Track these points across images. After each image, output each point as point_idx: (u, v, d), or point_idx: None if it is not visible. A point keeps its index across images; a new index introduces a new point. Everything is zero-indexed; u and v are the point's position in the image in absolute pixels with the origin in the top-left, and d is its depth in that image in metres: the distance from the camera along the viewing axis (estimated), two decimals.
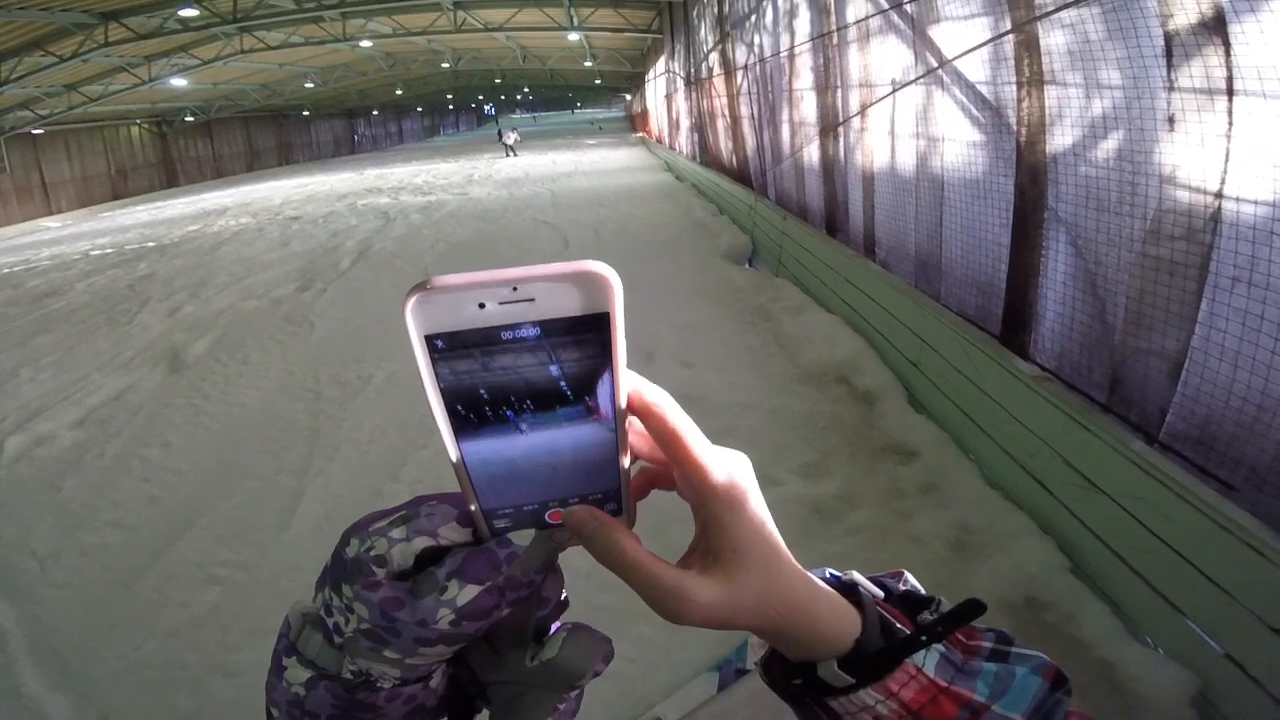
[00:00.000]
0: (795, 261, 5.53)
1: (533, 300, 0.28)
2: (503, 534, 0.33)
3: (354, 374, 4.42)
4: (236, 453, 3.66)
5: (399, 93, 34.20)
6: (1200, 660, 1.72)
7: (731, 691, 2.02)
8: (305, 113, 33.86)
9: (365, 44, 17.72)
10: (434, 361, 0.29)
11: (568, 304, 0.29)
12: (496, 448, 0.31)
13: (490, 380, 0.29)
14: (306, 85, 25.04)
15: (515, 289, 0.28)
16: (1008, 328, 2.79)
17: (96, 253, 11.64)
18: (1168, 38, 1.94)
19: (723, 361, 4.12)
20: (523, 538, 0.33)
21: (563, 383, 0.30)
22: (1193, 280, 1.81)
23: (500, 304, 0.28)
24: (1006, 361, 2.63)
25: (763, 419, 3.39)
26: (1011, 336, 2.78)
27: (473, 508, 0.33)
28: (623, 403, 0.31)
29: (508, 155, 21.62)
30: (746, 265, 6.41)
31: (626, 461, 0.33)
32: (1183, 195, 1.92)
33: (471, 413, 0.30)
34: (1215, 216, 1.80)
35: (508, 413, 0.30)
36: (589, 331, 0.29)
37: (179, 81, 17.77)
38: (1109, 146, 2.26)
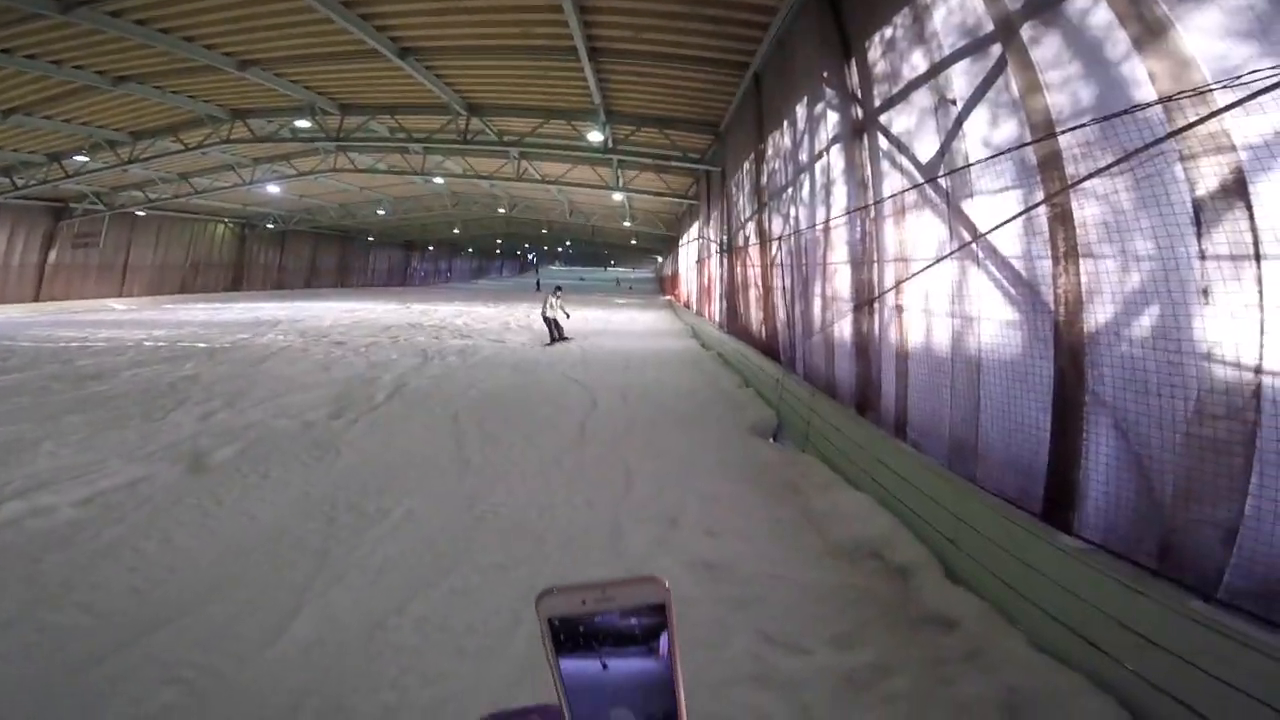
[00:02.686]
0: (823, 439, 5.50)
1: (614, 599, 0.46)
2: None
3: (373, 505, 4.35)
4: (237, 562, 3.51)
5: (455, 231, 37.46)
6: None
7: None
8: (370, 238, 37.01)
9: (438, 180, 19.78)
10: (553, 629, 0.46)
11: (638, 597, 0.46)
12: (588, 677, 0.47)
13: (586, 644, 0.46)
14: (379, 212, 27.62)
15: (604, 591, 0.46)
16: (1050, 506, 2.73)
17: (149, 344, 12.22)
18: (1196, 205, 2.04)
19: (750, 533, 4.00)
20: None
21: (634, 640, 0.46)
22: (1239, 456, 1.82)
23: (597, 601, 0.46)
24: (1050, 537, 2.59)
25: (791, 590, 3.25)
26: (1054, 514, 2.71)
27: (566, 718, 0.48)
28: (677, 651, 0.47)
29: (554, 338, 13.83)
30: (772, 440, 6.40)
31: (682, 695, 0.48)
32: (1223, 372, 1.96)
33: (570, 656, 0.46)
34: (1256, 393, 1.84)
35: (595, 658, 0.46)
36: (653, 609, 0.46)
37: (273, 188, 19.72)
38: (1146, 324, 2.31)
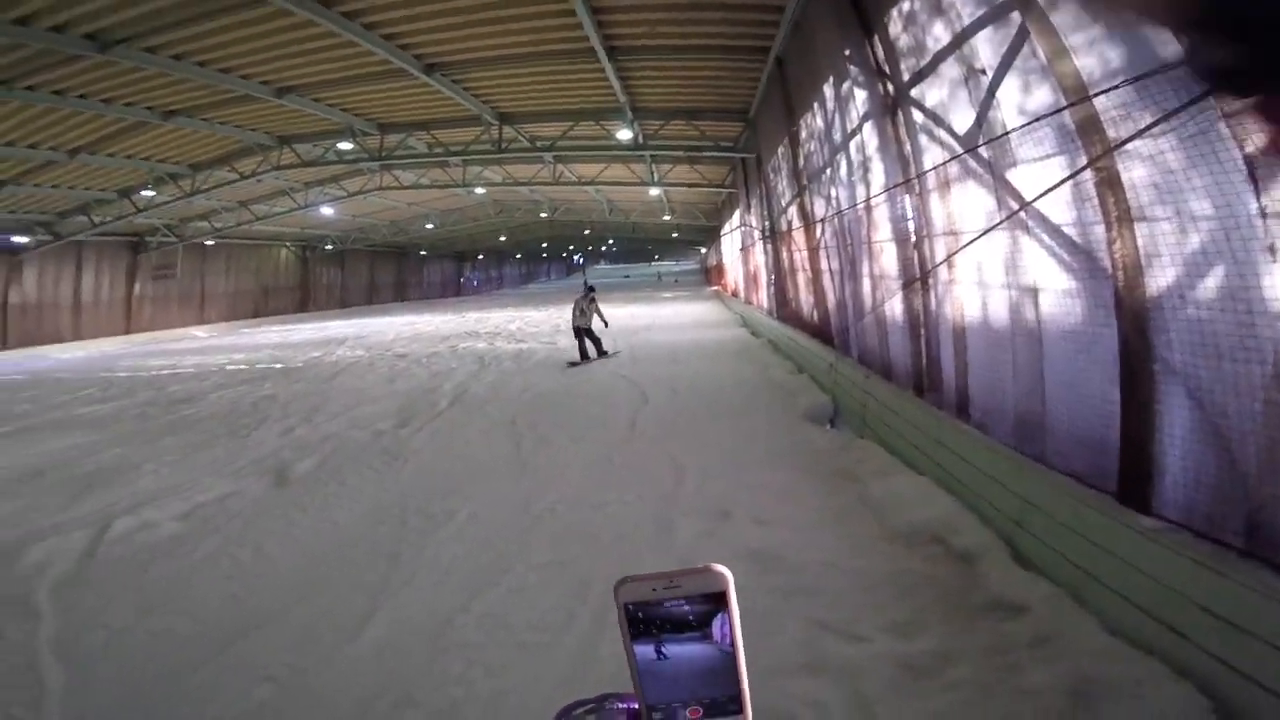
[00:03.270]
0: (880, 423, 5.35)
1: (680, 586, 0.50)
2: None
3: (439, 508, 4.58)
4: (320, 566, 3.78)
5: (502, 239, 38.40)
6: None
7: None
8: (423, 252, 38.41)
9: (479, 190, 20.36)
10: (626, 616, 0.50)
11: (702, 585, 0.50)
12: (656, 663, 0.51)
13: (656, 626, 0.50)
14: (428, 226, 28.64)
15: (672, 580, 0.50)
16: (1126, 484, 2.61)
17: (231, 367, 13.14)
18: (1248, 161, 1.93)
19: (803, 522, 3.95)
20: None
21: (699, 626, 0.50)
22: None
23: (665, 588, 0.50)
24: (1124, 517, 2.47)
25: (846, 577, 3.20)
26: (1131, 492, 2.59)
27: (636, 705, 0.53)
28: (739, 637, 0.51)
29: (585, 355, 10.89)
30: (828, 427, 6.28)
31: (745, 678, 0.52)
32: None
33: (642, 642, 0.51)
34: None
35: (665, 643, 0.50)
36: (715, 596, 0.50)
37: (327, 210, 20.82)
38: (1211, 285, 2.18)
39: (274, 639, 3.04)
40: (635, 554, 3.67)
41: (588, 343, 11.01)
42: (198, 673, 2.80)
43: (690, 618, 0.50)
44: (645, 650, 0.50)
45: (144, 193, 15.90)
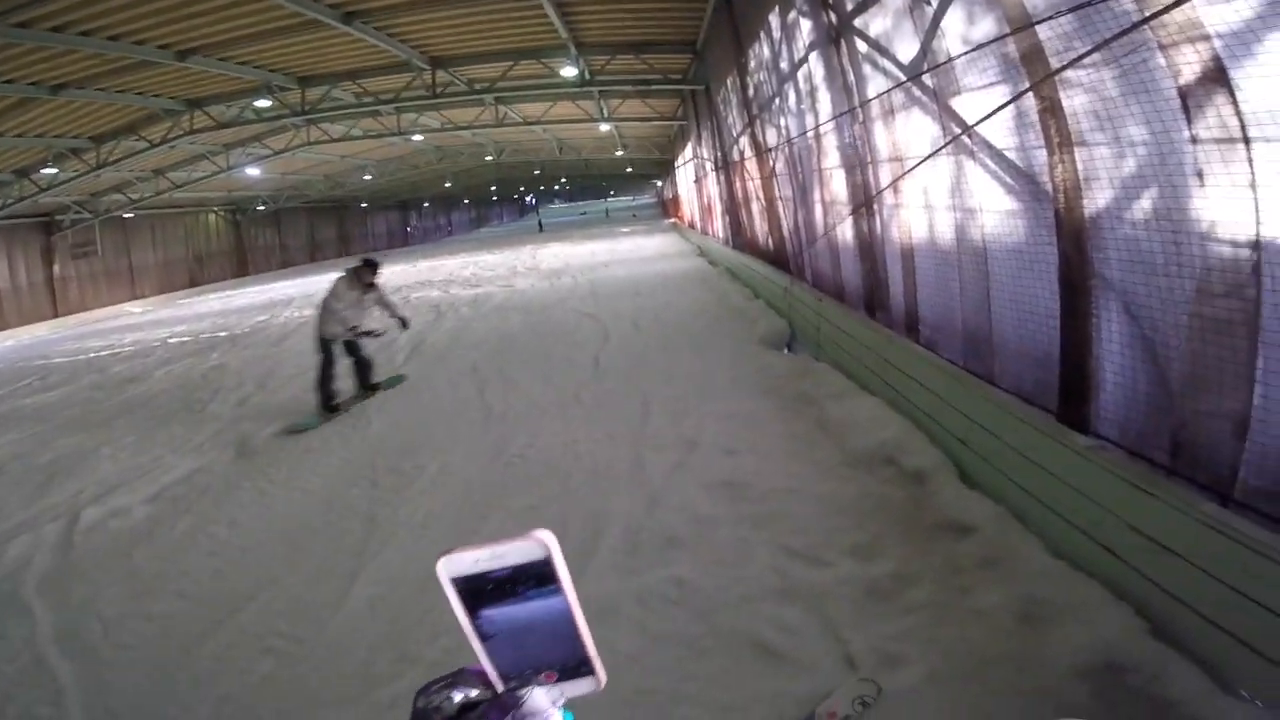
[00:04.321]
0: (834, 345, 5.54)
1: (505, 557, 0.48)
2: (513, 690, 0.50)
3: (409, 464, 4.62)
4: (298, 533, 3.83)
5: (448, 185, 36.73)
6: None
7: None
8: (364, 205, 36.58)
9: (417, 138, 19.30)
10: (457, 591, 0.49)
11: (526, 554, 0.48)
12: (500, 634, 0.50)
13: (491, 596, 0.49)
14: (365, 177, 27.18)
15: (494, 550, 0.48)
16: (1066, 400, 2.75)
17: (174, 340, 12.58)
18: (1181, 92, 2.00)
19: (767, 449, 4.14)
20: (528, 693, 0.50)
21: (534, 591, 0.49)
22: (1243, 338, 1.81)
23: (489, 560, 0.48)
24: (1062, 436, 2.59)
25: (810, 504, 3.38)
26: (1071, 409, 2.73)
27: (491, 673, 0.51)
28: (573, 599, 0.49)
29: (331, 401, 5.76)
30: (785, 350, 6.44)
31: (589, 639, 0.50)
32: (1223, 250, 1.94)
33: (479, 613, 0.49)
34: (1256, 269, 1.82)
35: (500, 611, 0.49)
36: (543, 563, 0.48)
37: (253, 171, 19.50)
38: (1146, 206, 2.28)
39: (266, 610, 3.10)
40: (610, 491, 3.81)
41: (338, 370, 6.04)
42: (201, 651, 2.85)
43: (524, 584, 0.49)
44: (490, 620, 0.50)
45: (45, 171, 14.62)
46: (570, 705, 0.52)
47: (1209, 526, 1.84)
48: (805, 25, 5.66)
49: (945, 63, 3.41)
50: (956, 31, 3.31)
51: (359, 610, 3.01)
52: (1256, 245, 1.85)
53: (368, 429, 5.60)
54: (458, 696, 0.51)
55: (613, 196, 66.73)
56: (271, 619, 3.02)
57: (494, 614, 0.50)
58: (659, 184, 41.74)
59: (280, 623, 2.99)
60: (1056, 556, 2.48)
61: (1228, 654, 1.83)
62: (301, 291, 18.75)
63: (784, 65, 6.80)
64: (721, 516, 3.39)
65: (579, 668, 0.52)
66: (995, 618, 2.35)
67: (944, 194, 3.85)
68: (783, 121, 7.42)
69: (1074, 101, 2.54)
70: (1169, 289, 2.17)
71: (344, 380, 6.23)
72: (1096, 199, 2.52)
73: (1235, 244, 1.91)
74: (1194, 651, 1.94)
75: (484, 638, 0.50)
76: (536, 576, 0.48)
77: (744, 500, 3.54)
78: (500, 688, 0.51)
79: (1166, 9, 1.89)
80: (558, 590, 0.48)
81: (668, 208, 34.98)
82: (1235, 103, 1.85)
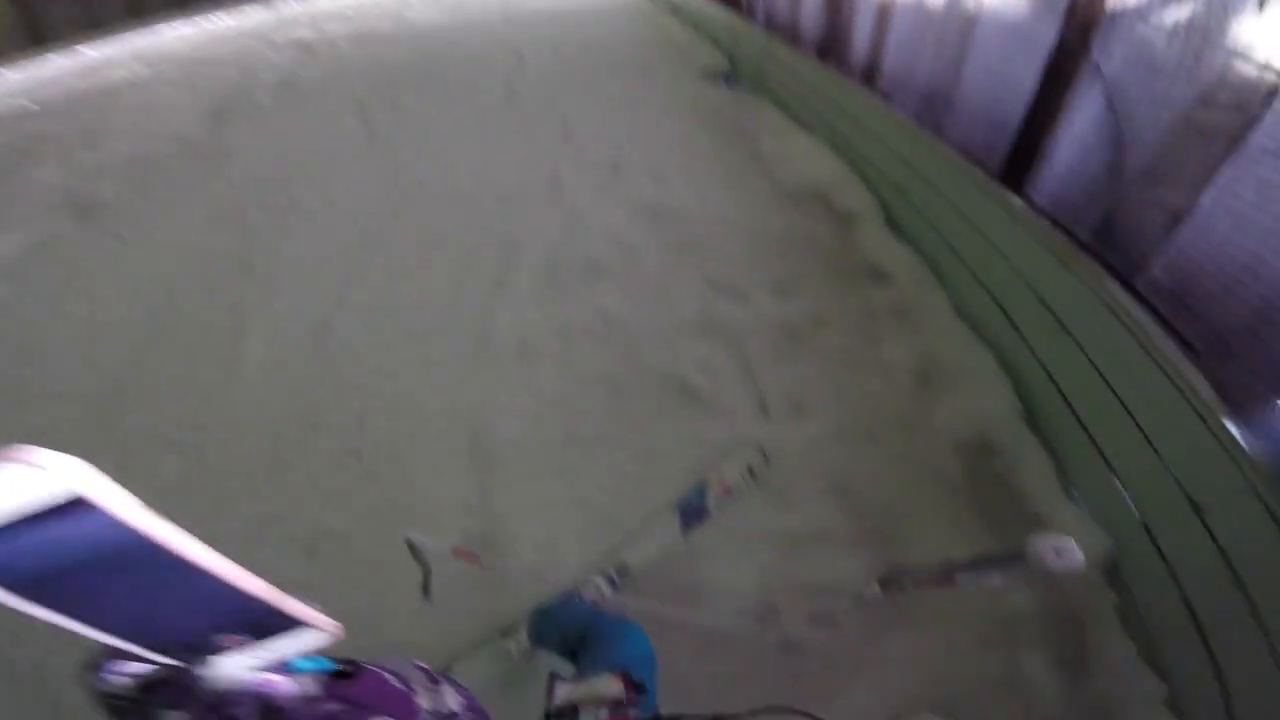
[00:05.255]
0: (779, 84, 5.01)
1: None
2: (188, 665, 0.44)
3: (283, 199, 3.90)
4: (166, 297, 3.27)
5: None
6: (1119, 525, 1.79)
7: (694, 534, 2.12)
8: None
9: None
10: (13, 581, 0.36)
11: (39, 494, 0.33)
12: (110, 608, 0.40)
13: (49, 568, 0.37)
14: None
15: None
16: (1010, 166, 2.65)
17: None
18: None
19: (697, 176, 3.81)
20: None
21: (107, 550, 0.37)
22: (1221, 146, 1.76)
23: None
24: (998, 194, 2.52)
25: (736, 234, 3.24)
26: (1011, 174, 2.65)
27: (147, 655, 0.43)
28: (179, 543, 0.39)
29: None
30: (723, 84, 5.68)
31: (257, 585, 0.42)
32: (1246, 69, 1.77)
33: (66, 592, 0.38)
34: (1272, 92, 1.70)
35: (83, 581, 0.38)
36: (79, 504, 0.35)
37: None
38: (1180, 14, 1.96)
39: (156, 400, 2.72)
40: (525, 216, 3.39)
41: None
42: (100, 457, 2.44)
43: (78, 542, 0.36)
44: (85, 597, 0.38)
45: None
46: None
47: (1112, 312, 1.86)
48: None
49: None
50: None
51: (253, 375, 2.72)
52: None
53: (229, 169, 4.67)
54: (133, 675, 0.43)
55: None
56: (162, 407, 2.66)
57: (80, 586, 0.37)
58: None
59: (174, 410, 2.64)
60: (961, 316, 2.56)
61: (1080, 453, 1.94)
62: (128, 51, 14.91)
63: None
64: (647, 243, 3.11)
65: (282, 621, 0.44)
66: (897, 376, 2.46)
67: None
68: None
69: None
70: (1166, 92, 2.00)
71: None
72: None
73: (1264, 67, 1.72)
74: (1053, 443, 2.08)
75: (93, 620, 0.39)
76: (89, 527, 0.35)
77: (670, 226, 3.28)
78: (166, 663, 0.43)
79: None
80: (137, 538, 0.37)
81: None
82: None
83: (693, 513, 2.18)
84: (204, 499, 2.29)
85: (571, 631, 1.35)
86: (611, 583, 2.07)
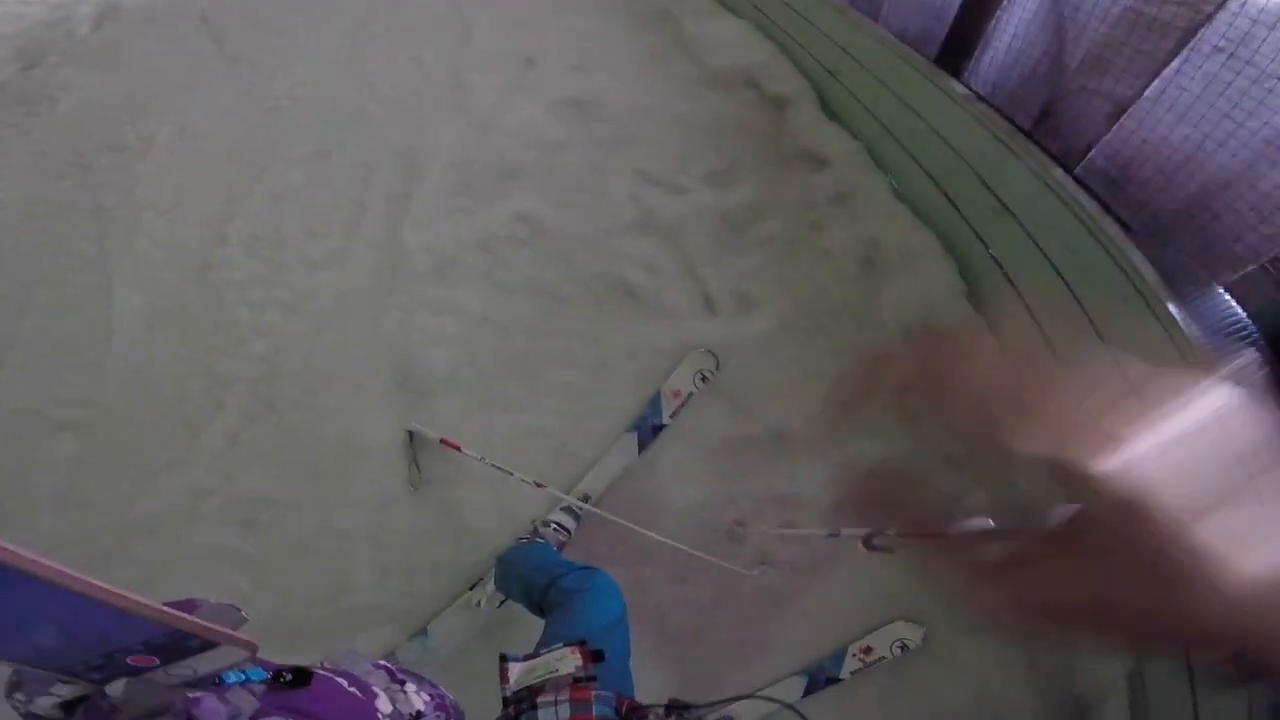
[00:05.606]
0: None
1: None
2: (99, 686, 0.46)
3: (131, 135, 3.25)
4: (12, 261, 2.74)
5: None
6: None
7: (653, 451, 2.07)
8: None
9: None
10: None
11: None
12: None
13: None
14: None
15: None
16: (946, 52, 2.56)
17: None
18: None
19: (619, 66, 3.44)
20: None
21: None
22: (1173, 41, 1.76)
23: None
24: (937, 78, 2.44)
25: (666, 124, 2.99)
26: (950, 61, 2.56)
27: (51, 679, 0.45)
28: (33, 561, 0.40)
29: None
30: None
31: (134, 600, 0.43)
32: None
33: None
34: None
35: None
36: None
37: None
38: None
39: (27, 378, 2.33)
40: (425, 123, 2.98)
41: None
42: None
43: None
44: None
45: None
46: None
47: (1054, 193, 1.86)
48: None
49: None
50: None
51: (135, 338, 2.33)
52: None
53: (53, 110, 3.92)
54: (54, 697, 0.44)
55: None
56: (40, 386, 2.28)
57: None
58: None
59: (52, 386, 2.27)
60: (901, 200, 2.52)
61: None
62: None
63: None
64: (570, 140, 2.82)
65: (192, 639, 0.45)
66: (840, 261, 2.40)
67: None
68: None
69: None
70: None
71: None
72: None
73: None
74: (993, 325, 2.04)
75: None
76: None
77: (595, 120, 3.00)
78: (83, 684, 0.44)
79: None
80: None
81: None
82: None
83: (649, 430, 2.13)
84: (117, 480, 2.03)
85: (535, 590, 1.32)
86: (574, 514, 1.99)
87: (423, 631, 1.86)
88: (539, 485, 1.87)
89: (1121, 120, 1.85)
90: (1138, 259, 1.61)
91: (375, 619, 1.92)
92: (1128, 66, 1.83)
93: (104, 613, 0.40)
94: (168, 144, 3.09)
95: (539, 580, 1.32)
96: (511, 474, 1.85)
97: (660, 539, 1.73)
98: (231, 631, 0.46)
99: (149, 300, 2.42)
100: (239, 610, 0.51)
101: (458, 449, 1.91)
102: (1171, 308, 1.49)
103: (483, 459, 1.89)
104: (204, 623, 0.44)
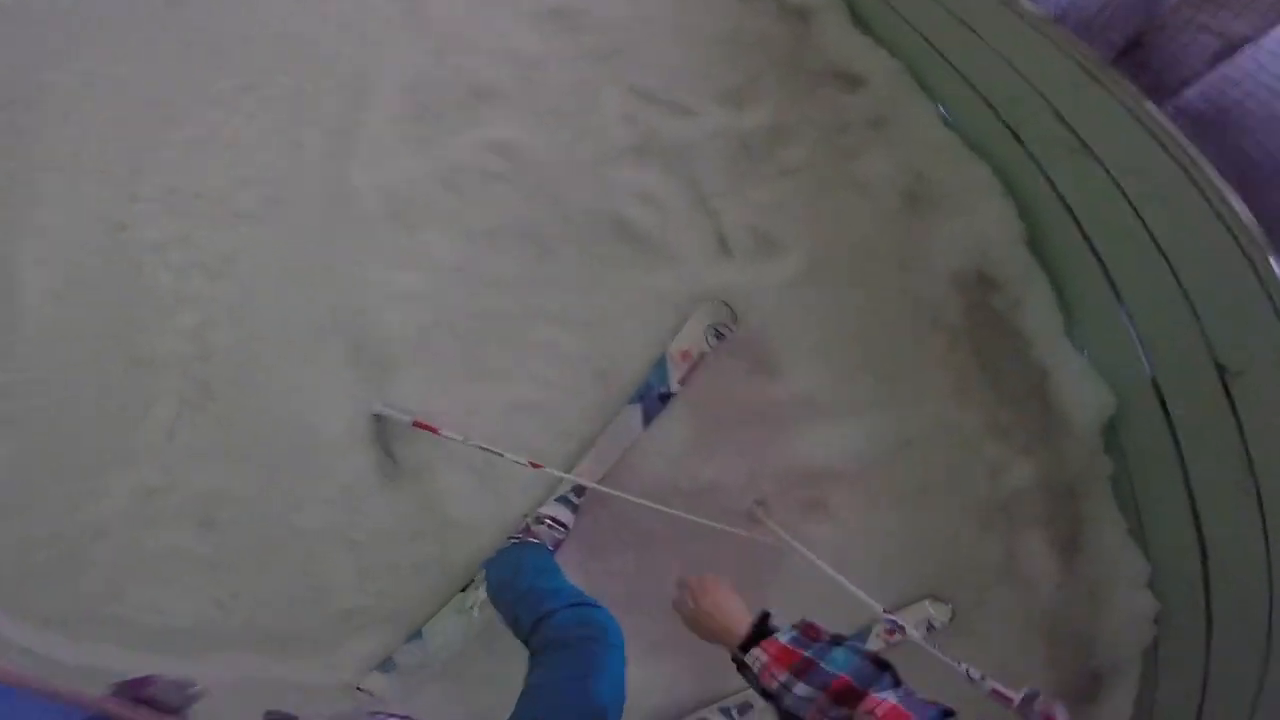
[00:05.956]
0: None
1: None
2: None
3: (23, 87, 2.81)
4: None
5: None
6: (1124, 379, 1.69)
7: (660, 422, 1.88)
8: None
9: None
10: None
11: None
12: None
13: None
14: None
15: None
16: None
17: None
18: None
19: None
20: None
21: None
22: None
23: None
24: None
25: (670, 36, 2.53)
26: None
27: None
28: None
29: None
30: None
31: None
32: None
33: None
34: None
35: None
36: None
37: None
38: None
39: None
40: (376, 43, 2.47)
41: None
42: None
43: None
44: None
45: None
46: None
47: (1151, 134, 1.58)
48: None
49: None
50: None
51: (45, 318, 1.96)
52: None
53: None
54: None
55: None
56: None
57: None
58: None
59: None
60: (951, 129, 2.19)
61: (1090, 291, 1.78)
62: None
63: None
64: (551, 54, 2.38)
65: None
66: (879, 195, 2.10)
67: None
68: None
69: None
70: None
71: None
72: None
73: None
74: (1059, 276, 1.90)
75: None
76: None
77: (581, 31, 2.54)
78: None
79: None
80: None
81: None
82: None
83: (654, 399, 1.88)
84: (58, 483, 1.80)
85: (522, 627, 1.21)
86: (569, 505, 1.69)
87: (418, 634, 1.74)
88: (534, 465, 1.65)
89: (1234, 58, 1.59)
90: (1244, 213, 1.40)
91: (363, 622, 1.78)
92: (1252, 6, 1.56)
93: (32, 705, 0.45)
94: (71, 94, 2.58)
95: (525, 617, 1.21)
96: (502, 455, 1.64)
97: (673, 512, 1.61)
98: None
99: (54, 273, 2.04)
100: (193, 685, 0.56)
101: (435, 431, 1.68)
102: (1273, 262, 1.33)
103: (465, 440, 1.66)
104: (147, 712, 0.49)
